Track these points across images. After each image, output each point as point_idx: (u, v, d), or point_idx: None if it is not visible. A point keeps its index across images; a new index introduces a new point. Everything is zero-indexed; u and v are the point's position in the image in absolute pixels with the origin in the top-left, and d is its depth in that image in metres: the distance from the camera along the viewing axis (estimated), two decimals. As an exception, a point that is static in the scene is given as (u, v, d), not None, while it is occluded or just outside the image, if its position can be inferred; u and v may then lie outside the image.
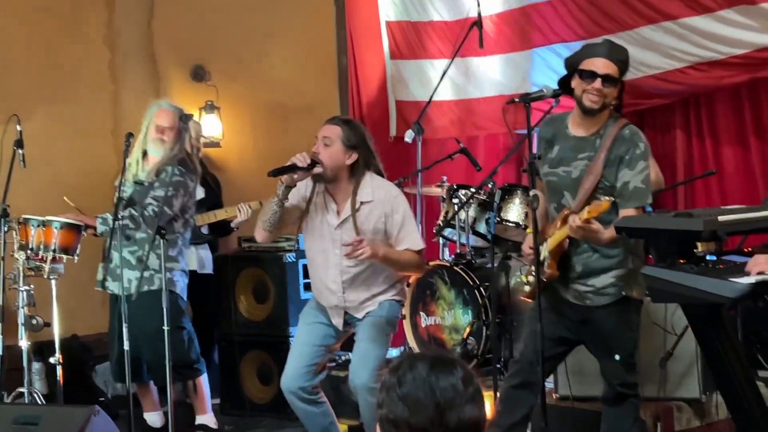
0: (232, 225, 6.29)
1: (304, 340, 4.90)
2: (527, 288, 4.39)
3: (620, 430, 4.36)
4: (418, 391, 2.09)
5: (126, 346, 5.14)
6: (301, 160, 4.56)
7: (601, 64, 4.13)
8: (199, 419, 5.97)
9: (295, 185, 4.63)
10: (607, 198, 4.01)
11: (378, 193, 4.69)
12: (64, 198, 5.52)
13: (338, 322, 4.86)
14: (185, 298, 5.88)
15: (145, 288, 5.55)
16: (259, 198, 6.47)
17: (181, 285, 5.81)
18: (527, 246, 4.33)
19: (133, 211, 5.49)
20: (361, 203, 4.68)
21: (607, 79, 4.11)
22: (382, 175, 4.80)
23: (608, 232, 4.01)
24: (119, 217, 5.24)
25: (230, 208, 6.19)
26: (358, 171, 4.68)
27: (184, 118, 5.57)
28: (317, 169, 4.59)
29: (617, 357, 4.24)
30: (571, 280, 4.27)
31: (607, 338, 4.26)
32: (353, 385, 4.76)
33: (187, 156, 5.71)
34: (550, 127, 4.39)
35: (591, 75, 4.12)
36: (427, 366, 2.12)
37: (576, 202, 4.14)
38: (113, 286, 5.67)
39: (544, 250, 4.20)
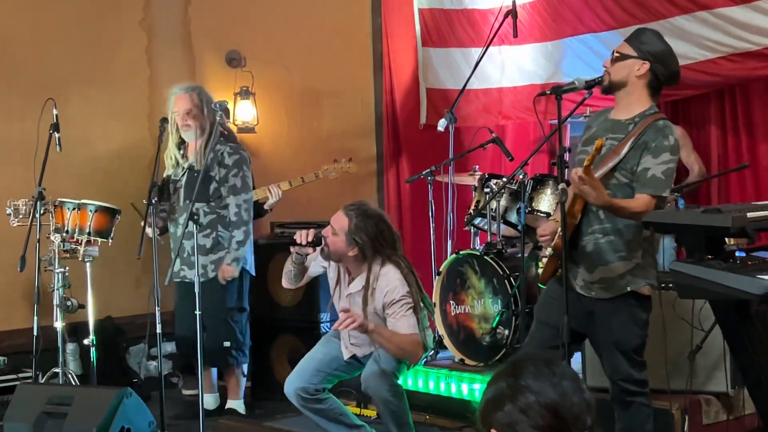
0: (266, 207, 6.33)
1: (317, 349, 5.08)
2: (539, 272, 4.39)
3: None
4: (540, 378, 2.19)
5: (158, 329, 5.21)
6: (303, 237, 4.77)
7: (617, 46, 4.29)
8: (230, 404, 6.04)
9: (306, 254, 4.90)
10: (600, 138, 4.00)
11: (380, 282, 4.77)
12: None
13: (345, 351, 4.99)
14: (253, 272, 6.02)
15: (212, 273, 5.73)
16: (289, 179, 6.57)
17: (251, 261, 5.95)
18: (541, 230, 4.32)
19: (219, 211, 5.74)
20: (363, 287, 4.82)
21: (613, 55, 4.23)
22: (397, 259, 4.83)
23: (610, 198, 3.98)
24: (153, 201, 5.31)
25: (260, 189, 6.25)
26: (367, 258, 4.80)
27: (202, 95, 5.70)
28: (310, 250, 4.82)
29: (619, 351, 4.22)
30: (580, 264, 4.24)
31: (610, 332, 4.23)
32: (365, 384, 4.83)
33: (226, 130, 5.83)
34: (597, 116, 4.43)
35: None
36: (537, 358, 2.24)
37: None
38: (189, 274, 5.78)
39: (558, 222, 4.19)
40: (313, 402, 4.93)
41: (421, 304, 4.82)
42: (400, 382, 4.86)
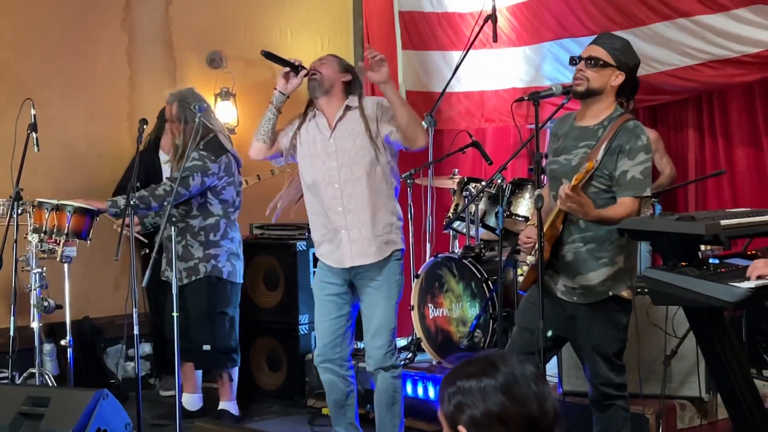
0: None
1: (321, 315, 4.99)
2: (520, 279, 4.41)
3: None
4: (522, 385, 2.16)
5: (136, 330, 5.22)
6: (298, 61, 4.86)
7: (587, 49, 4.25)
8: (223, 404, 6.02)
9: (288, 95, 4.89)
10: (591, 160, 4.03)
11: (366, 101, 4.89)
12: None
13: (339, 258, 4.87)
14: (237, 280, 5.91)
15: (193, 278, 5.68)
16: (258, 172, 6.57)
17: (229, 268, 5.83)
18: (524, 236, 4.34)
19: (143, 192, 5.56)
20: (347, 107, 4.85)
21: (588, 60, 4.18)
22: None
23: (597, 210, 4.00)
24: (130, 203, 5.29)
25: None
26: (353, 90, 4.89)
27: (184, 103, 5.67)
28: (302, 72, 4.83)
29: (600, 355, 4.24)
30: (561, 272, 4.26)
31: (591, 336, 4.24)
32: (371, 368, 4.87)
33: (214, 136, 5.77)
34: (562, 122, 4.42)
35: (577, 59, 4.23)
36: (513, 360, 2.21)
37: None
38: (169, 273, 5.72)
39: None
40: (338, 376, 4.94)
41: None
42: (398, 360, 4.96)
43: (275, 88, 4.87)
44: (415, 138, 4.79)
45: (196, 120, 5.39)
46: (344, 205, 4.83)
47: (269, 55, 4.87)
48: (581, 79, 4.20)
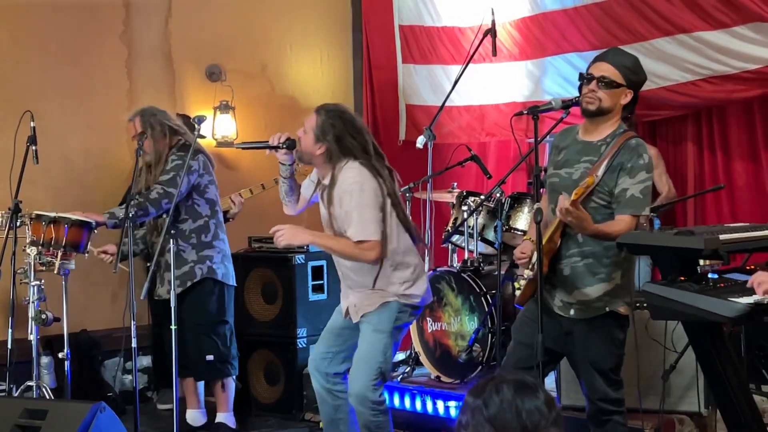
0: (228, 216, 6.25)
1: (327, 326, 4.98)
2: (517, 293, 4.40)
3: None
4: (506, 413, 2.13)
5: (134, 343, 5.21)
6: (275, 138, 4.74)
7: (598, 67, 4.21)
8: (220, 417, 5.99)
9: (288, 163, 4.78)
10: (591, 175, 4.03)
11: (338, 185, 4.63)
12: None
13: (343, 308, 4.88)
14: (231, 282, 5.89)
15: (188, 283, 5.65)
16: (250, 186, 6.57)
17: (223, 270, 5.81)
18: (519, 251, 4.31)
19: (138, 198, 5.53)
20: (324, 186, 4.71)
21: (601, 80, 4.16)
22: (369, 158, 4.67)
23: (595, 225, 4.00)
24: (129, 214, 5.28)
25: (222, 200, 6.19)
26: (333, 159, 4.66)
27: (145, 114, 5.67)
28: (282, 151, 4.72)
29: (597, 370, 4.23)
30: (558, 287, 4.25)
31: (588, 352, 4.23)
32: (349, 395, 4.78)
33: (185, 142, 5.76)
34: (563, 135, 4.42)
35: (588, 77, 4.19)
36: (512, 389, 2.16)
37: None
38: (161, 291, 5.73)
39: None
40: (327, 391, 4.88)
41: (390, 205, 4.63)
42: (383, 397, 4.76)
43: (268, 151, 4.82)
44: (361, 261, 4.66)
45: (195, 131, 5.37)
46: (343, 272, 4.81)
47: (245, 146, 5.11)
48: (593, 99, 4.18)
